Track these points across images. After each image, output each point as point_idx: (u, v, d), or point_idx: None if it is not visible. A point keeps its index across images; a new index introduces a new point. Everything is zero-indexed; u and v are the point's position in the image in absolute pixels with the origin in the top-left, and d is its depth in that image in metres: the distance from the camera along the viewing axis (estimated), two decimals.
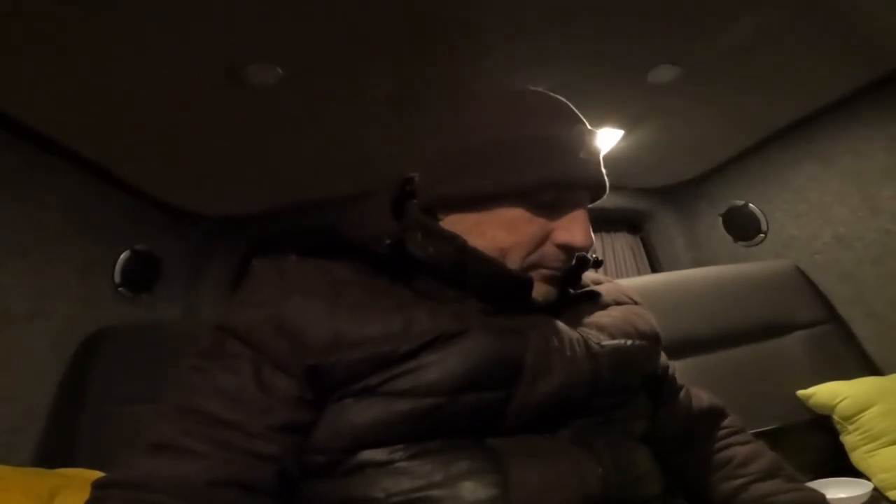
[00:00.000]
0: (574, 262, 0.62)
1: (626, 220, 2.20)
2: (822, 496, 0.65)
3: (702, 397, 0.78)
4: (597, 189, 0.60)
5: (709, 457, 0.72)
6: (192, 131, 1.25)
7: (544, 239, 0.57)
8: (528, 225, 0.56)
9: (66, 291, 1.27)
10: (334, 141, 1.41)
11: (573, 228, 0.56)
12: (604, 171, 0.59)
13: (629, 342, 0.61)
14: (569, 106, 0.60)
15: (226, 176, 1.52)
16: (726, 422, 0.77)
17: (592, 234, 0.57)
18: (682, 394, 0.76)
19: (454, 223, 0.59)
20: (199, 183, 1.53)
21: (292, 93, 1.15)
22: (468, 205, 0.58)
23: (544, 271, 0.58)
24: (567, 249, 0.57)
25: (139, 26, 0.88)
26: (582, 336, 0.58)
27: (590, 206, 0.61)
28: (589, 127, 0.59)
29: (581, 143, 0.57)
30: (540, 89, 0.62)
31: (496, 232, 0.57)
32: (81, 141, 1.20)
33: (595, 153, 0.58)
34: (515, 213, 0.56)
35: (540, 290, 0.58)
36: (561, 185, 0.56)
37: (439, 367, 0.50)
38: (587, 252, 0.60)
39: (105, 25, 0.87)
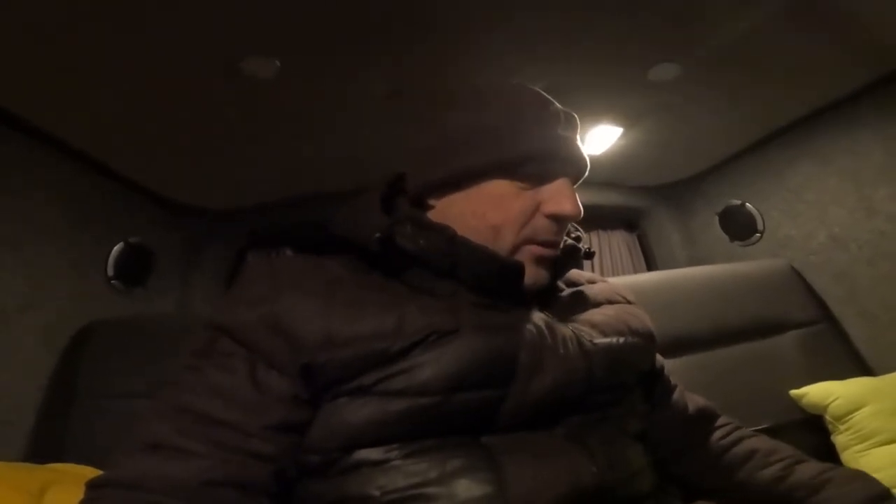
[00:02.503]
0: (564, 250, 0.63)
1: (622, 218, 2.20)
2: (865, 474, 0.66)
3: (695, 398, 0.78)
4: (577, 164, 0.61)
5: (723, 453, 0.72)
6: (188, 123, 1.23)
7: (534, 212, 0.58)
8: (516, 199, 0.58)
9: (58, 284, 1.26)
10: (332, 135, 1.40)
11: (560, 198, 0.58)
12: (583, 148, 0.61)
13: (622, 340, 0.62)
14: (544, 94, 0.63)
15: (222, 169, 1.50)
16: (721, 420, 0.77)
17: (580, 204, 0.59)
18: (676, 394, 0.76)
19: (447, 206, 0.60)
20: (194, 176, 1.51)
21: (290, 86, 1.14)
22: (457, 185, 0.59)
23: (537, 248, 0.59)
24: (557, 219, 0.59)
25: (136, 18, 0.87)
26: (575, 333, 0.58)
27: (576, 187, 0.62)
28: (565, 109, 0.61)
29: (558, 121, 0.59)
30: (515, 81, 0.65)
31: (486, 209, 0.58)
32: (74, 133, 1.18)
33: (573, 131, 0.61)
34: (503, 188, 0.58)
35: (531, 274, 0.58)
36: (542, 157, 0.58)
37: (433, 366, 0.50)
38: (576, 220, 0.60)
39: (101, 18, 0.85)
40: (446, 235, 0.57)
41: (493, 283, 0.57)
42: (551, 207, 0.58)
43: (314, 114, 1.28)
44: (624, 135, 1.56)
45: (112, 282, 1.43)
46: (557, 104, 0.62)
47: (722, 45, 1.12)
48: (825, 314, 1.49)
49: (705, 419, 0.76)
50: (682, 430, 0.74)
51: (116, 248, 1.44)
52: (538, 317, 0.57)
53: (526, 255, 0.59)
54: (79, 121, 1.14)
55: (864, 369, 1.40)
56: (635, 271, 2.17)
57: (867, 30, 1.11)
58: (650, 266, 2.20)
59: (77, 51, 0.91)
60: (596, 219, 2.11)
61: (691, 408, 0.76)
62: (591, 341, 0.58)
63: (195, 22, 0.90)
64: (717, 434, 0.74)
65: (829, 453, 1.21)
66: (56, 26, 0.85)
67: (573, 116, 0.61)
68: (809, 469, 0.66)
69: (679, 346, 1.37)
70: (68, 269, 1.29)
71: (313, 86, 1.16)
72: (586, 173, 0.63)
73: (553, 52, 1.14)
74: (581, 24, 1.05)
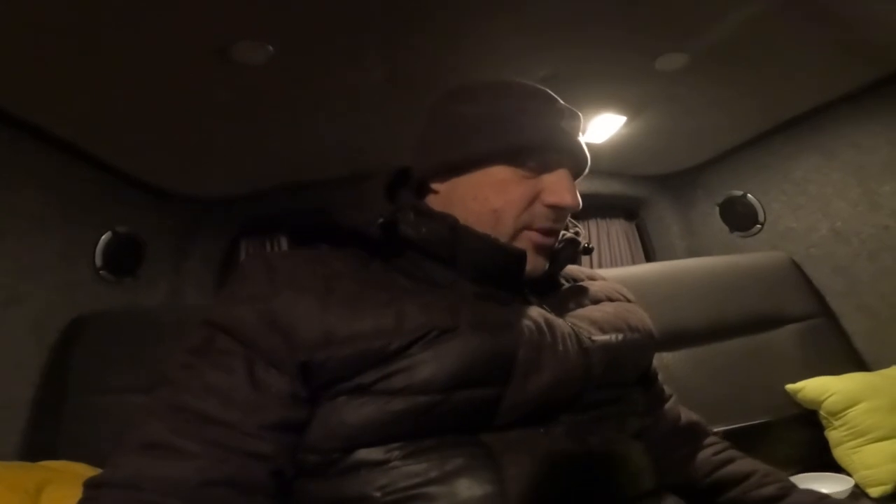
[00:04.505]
0: (562, 243, 0.64)
1: (622, 207, 2.18)
2: None
3: (688, 412, 0.77)
4: (578, 157, 0.62)
5: (717, 469, 0.71)
6: (177, 110, 1.19)
7: (534, 199, 0.59)
8: (517, 186, 0.59)
9: (45, 276, 1.23)
10: (325, 122, 1.36)
11: (559, 189, 0.59)
12: (585, 144, 0.63)
13: (620, 337, 0.62)
14: (550, 91, 0.64)
15: (212, 156, 1.46)
16: (712, 438, 0.76)
17: (579, 196, 0.60)
18: (669, 403, 0.75)
19: (450, 189, 0.61)
20: (183, 164, 1.47)
21: (283, 72, 1.09)
22: (461, 169, 0.60)
23: (536, 236, 0.60)
24: (556, 209, 0.60)
25: (123, 2, 0.82)
26: (573, 330, 0.58)
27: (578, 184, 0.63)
28: (569, 106, 0.63)
29: (562, 115, 0.61)
30: (521, 80, 0.66)
31: (489, 193, 0.59)
32: (59, 122, 1.13)
33: (576, 127, 0.62)
34: (505, 174, 0.59)
35: (530, 261, 0.59)
36: (544, 147, 0.59)
37: (433, 364, 0.49)
38: (573, 210, 0.62)
39: (87, 5, 0.81)
40: (448, 223, 0.57)
41: (494, 270, 0.58)
42: (550, 197, 0.59)
43: (308, 100, 1.24)
44: (627, 124, 1.53)
45: (101, 272, 1.39)
46: (562, 101, 0.63)
47: (730, 35, 1.09)
48: (823, 308, 1.50)
49: (696, 433, 0.75)
50: (672, 440, 0.73)
51: (104, 238, 1.40)
52: (537, 312, 0.57)
53: (525, 241, 0.60)
54: (63, 109, 1.09)
55: (860, 364, 1.41)
56: (633, 261, 2.16)
57: (874, 26, 1.09)
58: (648, 256, 2.19)
59: (62, 39, 0.87)
60: (595, 207, 2.09)
61: (683, 419, 0.75)
62: (589, 338, 0.58)
63: (185, 5, 0.86)
64: (709, 451, 0.74)
65: (821, 448, 1.23)
66: (40, 16, 0.81)
67: (577, 113, 0.63)
68: (808, 494, 0.67)
69: (676, 339, 1.37)
70: (55, 261, 1.26)
71: (307, 72, 1.12)
72: (587, 169, 0.64)
73: (558, 39, 1.10)
74: (588, 12, 1.01)
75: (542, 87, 0.64)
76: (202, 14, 0.89)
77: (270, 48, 1.01)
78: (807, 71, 1.25)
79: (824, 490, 1.07)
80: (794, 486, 0.68)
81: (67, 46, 0.89)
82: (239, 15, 0.91)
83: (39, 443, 1.11)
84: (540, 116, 0.60)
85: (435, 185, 0.62)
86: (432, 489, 0.46)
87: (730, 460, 0.72)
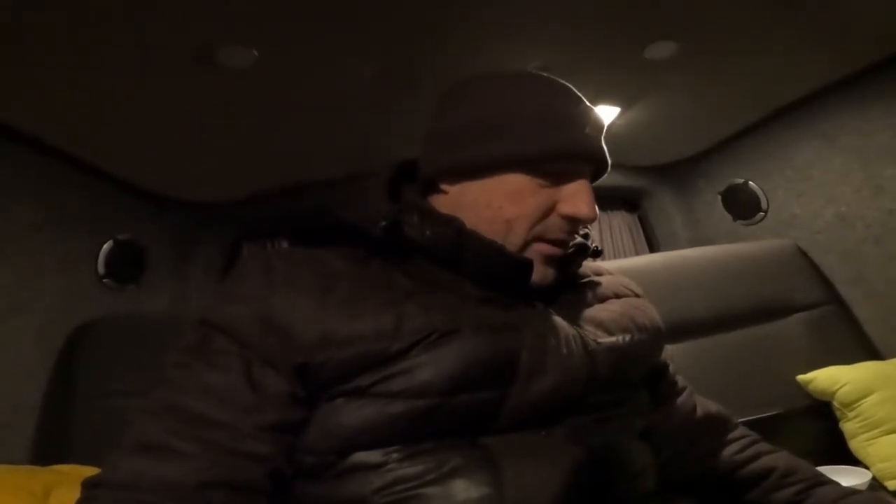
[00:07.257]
0: (573, 248, 0.62)
1: (623, 199, 2.16)
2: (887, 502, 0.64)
3: (707, 404, 0.74)
4: (600, 165, 0.60)
5: (737, 469, 0.68)
6: (170, 115, 1.19)
7: (549, 210, 0.57)
8: (533, 195, 0.56)
9: (47, 284, 1.24)
10: (317, 123, 1.36)
11: (577, 200, 0.56)
12: (606, 149, 0.60)
13: (627, 338, 0.60)
14: (572, 88, 0.61)
15: (209, 161, 1.47)
16: (738, 432, 0.73)
17: (596, 207, 0.58)
18: (683, 396, 0.73)
19: (460, 193, 0.59)
20: (182, 169, 1.48)
21: (269, 75, 1.10)
22: (474, 173, 0.58)
23: (547, 247, 0.58)
24: (572, 220, 0.57)
25: (110, 7, 0.83)
26: (578, 333, 0.56)
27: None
28: (592, 106, 0.60)
29: (587, 119, 0.57)
30: (543, 73, 0.62)
31: (502, 202, 0.57)
32: (53, 131, 1.15)
33: (599, 131, 0.59)
34: (521, 183, 0.56)
35: (539, 272, 0.57)
36: (568, 156, 0.56)
37: (433, 367, 0.49)
38: (591, 223, 0.60)
39: (72, 7, 0.81)
40: (453, 227, 0.56)
41: (499, 277, 0.56)
42: (568, 209, 0.56)
43: (297, 102, 1.24)
44: (622, 114, 1.51)
45: (104, 280, 1.41)
46: (586, 101, 0.60)
47: (720, 20, 1.07)
48: (832, 295, 1.46)
49: (716, 427, 0.72)
50: (687, 435, 0.70)
51: (106, 246, 1.42)
52: (541, 315, 0.56)
53: (535, 252, 0.58)
54: (57, 118, 1.10)
55: (872, 352, 1.37)
56: (637, 253, 2.14)
57: (873, 7, 1.06)
58: (652, 247, 2.16)
59: (50, 47, 0.88)
60: (596, 200, 2.06)
61: (700, 413, 0.72)
62: (595, 340, 0.57)
63: (170, 10, 0.87)
64: (733, 448, 0.70)
65: (836, 441, 1.20)
66: (27, 23, 0.82)
67: (599, 116, 0.59)
68: (829, 492, 0.63)
69: (682, 330, 1.35)
70: (55, 269, 1.27)
71: (294, 74, 1.12)
72: (606, 173, 0.62)
73: (546, 30, 1.09)
74: (574, 2, 1.00)
75: (566, 84, 0.60)
76: (188, 20, 0.90)
77: (255, 52, 1.02)
78: (801, 55, 1.23)
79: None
80: (817, 485, 0.64)
81: (54, 54, 0.90)
82: (222, 20, 0.92)
83: (50, 448, 1.12)
84: (565, 121, 0.56)
85: (444, 186, 0.60)
86: (428, 490, 0.46)
87: (752, 458, 0.69)
